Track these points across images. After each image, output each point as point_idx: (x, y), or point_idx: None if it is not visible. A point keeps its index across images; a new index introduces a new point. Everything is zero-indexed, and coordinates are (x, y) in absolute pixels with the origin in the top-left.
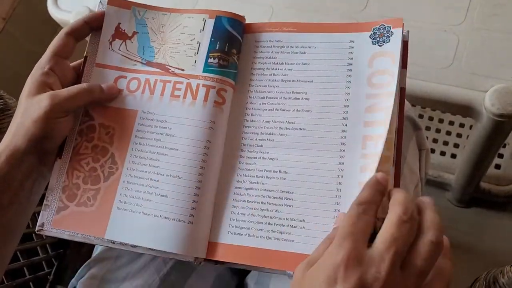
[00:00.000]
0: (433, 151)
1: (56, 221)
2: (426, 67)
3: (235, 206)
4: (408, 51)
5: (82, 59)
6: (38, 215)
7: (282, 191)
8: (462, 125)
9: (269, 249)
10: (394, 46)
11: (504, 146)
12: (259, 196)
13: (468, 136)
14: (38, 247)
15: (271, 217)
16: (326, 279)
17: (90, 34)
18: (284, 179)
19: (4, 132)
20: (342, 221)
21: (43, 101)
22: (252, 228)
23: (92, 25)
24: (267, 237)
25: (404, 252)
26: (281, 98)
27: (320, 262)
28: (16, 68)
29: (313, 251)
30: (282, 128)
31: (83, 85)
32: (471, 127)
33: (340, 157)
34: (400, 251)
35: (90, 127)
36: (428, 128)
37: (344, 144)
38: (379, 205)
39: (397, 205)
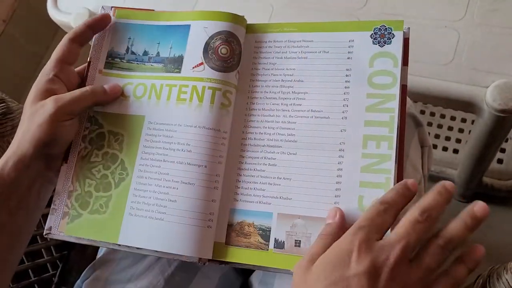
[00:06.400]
0: (435, 146)
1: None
2: (426, 64)
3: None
4: (409, 48)
5: (86, 64)
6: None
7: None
8: (464, 120)
9: None
10: (395, 48)
11: (506, 141)
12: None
13: (470, 131)
14: (42, 249)
15: None
16: (339, 262)
17: (93, 39)
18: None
19: (6, 137)
20: (363, 214)
21: (48, 104)
22: None
23: (94, 29)
24: None
25: (415, 248)
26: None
27: (332, 249)
28: (17, 69)
29: (310, 247)
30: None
31: (86, 88)
32: (473, 122)
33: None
34: (411, 245)
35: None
36: (430, 124)
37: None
38: (400, 209)
39: (416, 207)
